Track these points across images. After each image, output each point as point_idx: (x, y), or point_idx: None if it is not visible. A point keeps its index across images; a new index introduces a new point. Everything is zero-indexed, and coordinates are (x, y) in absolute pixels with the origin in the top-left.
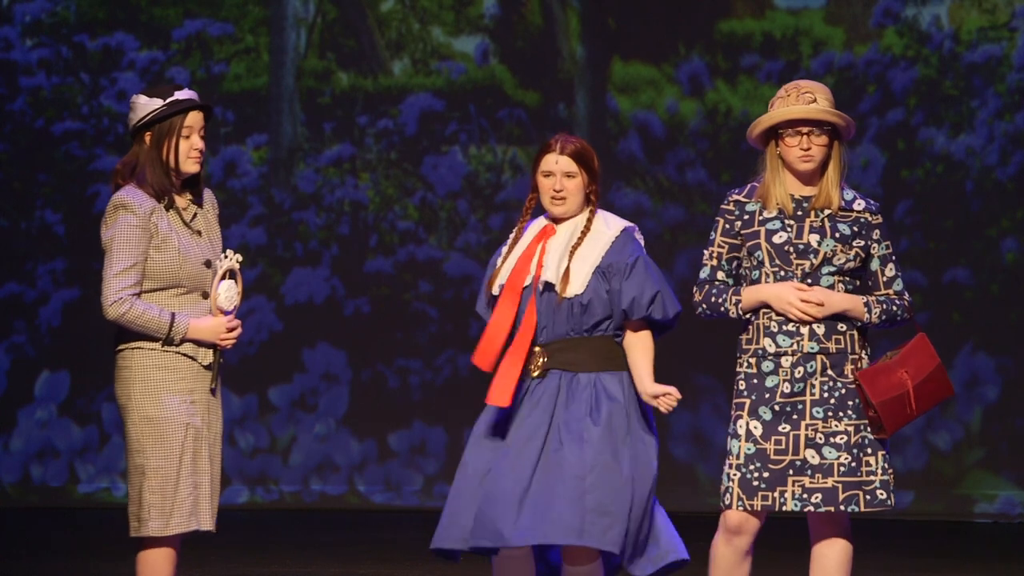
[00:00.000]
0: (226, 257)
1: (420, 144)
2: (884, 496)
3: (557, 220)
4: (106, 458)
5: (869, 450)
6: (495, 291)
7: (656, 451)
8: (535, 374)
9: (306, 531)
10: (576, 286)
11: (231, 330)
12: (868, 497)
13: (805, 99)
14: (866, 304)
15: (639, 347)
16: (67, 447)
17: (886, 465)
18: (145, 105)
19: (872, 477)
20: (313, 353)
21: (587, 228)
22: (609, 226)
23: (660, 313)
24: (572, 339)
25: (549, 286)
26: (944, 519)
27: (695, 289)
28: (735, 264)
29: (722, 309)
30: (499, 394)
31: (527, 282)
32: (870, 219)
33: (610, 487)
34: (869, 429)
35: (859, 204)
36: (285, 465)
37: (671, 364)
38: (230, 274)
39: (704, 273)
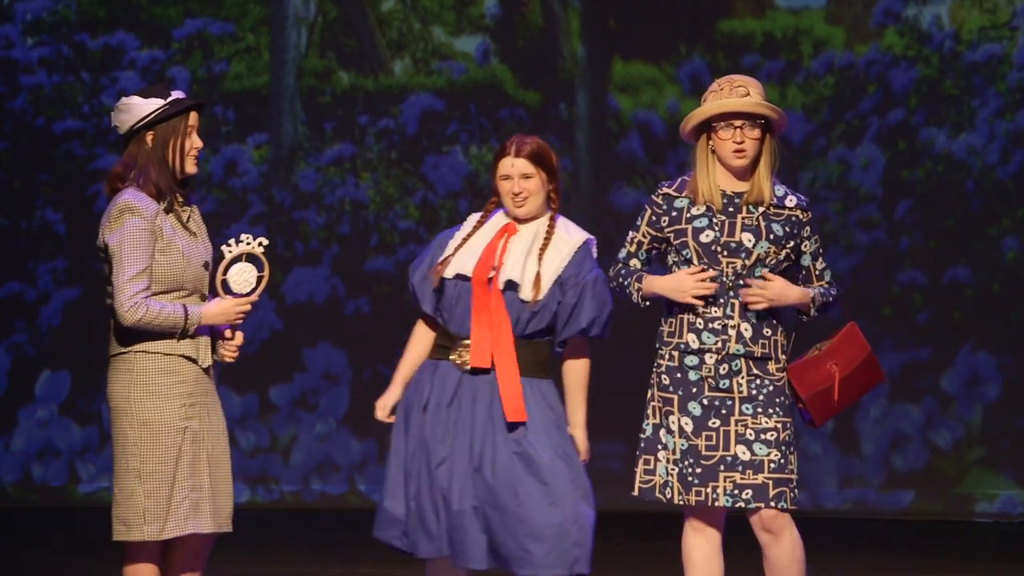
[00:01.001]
0: (240, 242)
1: (421, 144)
2: (799, 494)
3: (520, 220)
4: (107, 458)
5: (792, 448)
6: (448, 275)
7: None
8: (470, 368)
9: (307, 531)
10: (541, 293)
11: (241, 312)
12: (792, 495)
13: (738, 92)
14: (812, 299)
15: (577, 378)
16: (67, 447)
17: (796, 464)
18: (142, 105)
19: (793, 475)
20: (314, 352)
21: (550, 232)
22: (571, 235)
23: (609, 332)
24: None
25: (511, 285)
26: (944, 519)
27: (611, 266)
28: (654, 254)
29: (627, 292)
30: (516, 411)
31: (489, 275)
32: (801, 216)
33: (548, 511)
34: (792, 427)
35: (791, 201)
36: (286, 465)
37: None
38: (248, 257)
39: (621, 254)
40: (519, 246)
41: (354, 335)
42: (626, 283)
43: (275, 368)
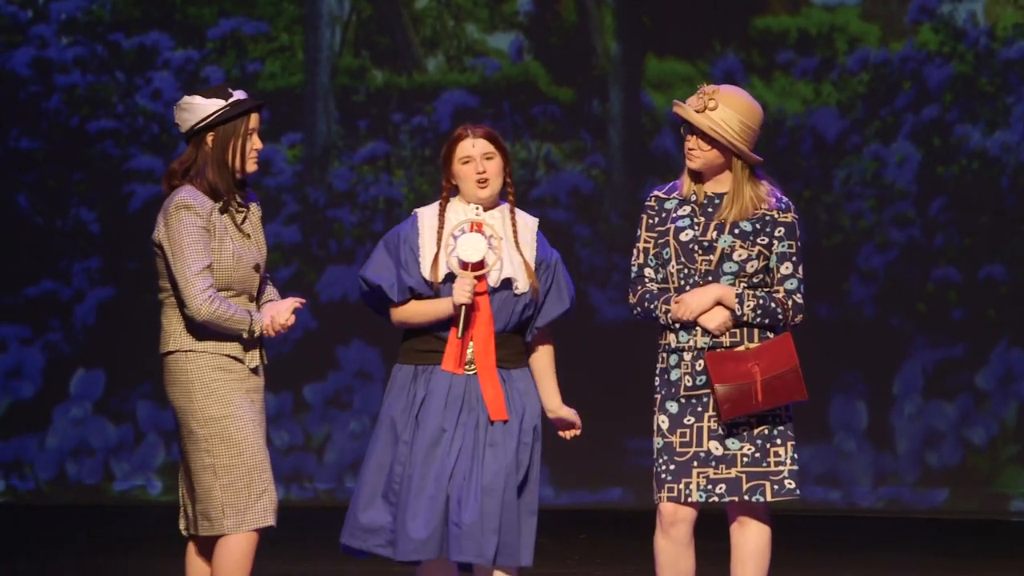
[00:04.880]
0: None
1: None
2: (792, 486)
3: (485, 207)
4: (141, 456)
5: (778, 440)
6: (440, 278)
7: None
8: (471, 371)
9: (341, 529)
10: (524, 284)
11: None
12: (776, 487)
13: (706, 104)
14: (739, 296)
15: (549, 363)
16: (102, 445)
17: (795, 455)
18: (204, 105)
19: (780, 467)
20: (347, 351)
21: (515, 221)
22: (527, 220)
23: (572, 312)
24: (503, 335)
25: (507, 282)
26: (979, 517)
27: (629, 290)
28: (661, 258)
29: (654, 315)
30: (501, 410)
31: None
32: (776, 216)
33: (512, 506)
34: (777, 417)
35: (769, 202)
36: (320, 463)
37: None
38: (475, 227)
39: (633, 272)
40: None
41: (388, 333)
42: (652, 306)
43: (309, 367)
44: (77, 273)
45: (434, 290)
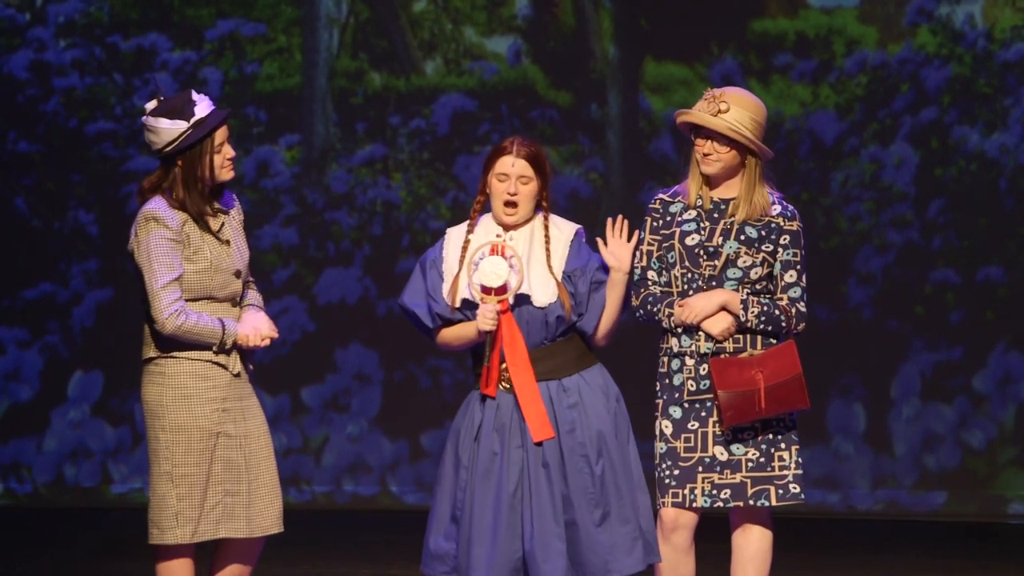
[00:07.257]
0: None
1: (452, 144)
2: (797, 490)
3: (507, 227)
4: (139, 459)
5: (782, 444)
6: (458, 304)
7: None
8: (508, 390)
9: (338, 532)
10: (550, 295)
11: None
12: (780, 491)
13: (718, 108)
14: (743, 302)
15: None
16: (100, 447)
17: (799, 459)
18: (169, 129)
19: (785, 472)
20: (345, 353)
21: (548, 235)
22: (562, 230)
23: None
24: (546, 347)
25: (526, 298)
26: (977, 520)
27: (632, 293)
28: (665, 262)
29: (656, 318)
30: (543, 429)
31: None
32: (782, 224)
33: (619, 512)
34: (780, 421)
35: (775, 209)
36: (317, 466)
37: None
38: (499, 251)
39: (636, 275)
40: (520, 256)
41: (386, 336)
42: (655, 309)
43: (307, 369)
44: (75, 275)
45: (462, 313)
